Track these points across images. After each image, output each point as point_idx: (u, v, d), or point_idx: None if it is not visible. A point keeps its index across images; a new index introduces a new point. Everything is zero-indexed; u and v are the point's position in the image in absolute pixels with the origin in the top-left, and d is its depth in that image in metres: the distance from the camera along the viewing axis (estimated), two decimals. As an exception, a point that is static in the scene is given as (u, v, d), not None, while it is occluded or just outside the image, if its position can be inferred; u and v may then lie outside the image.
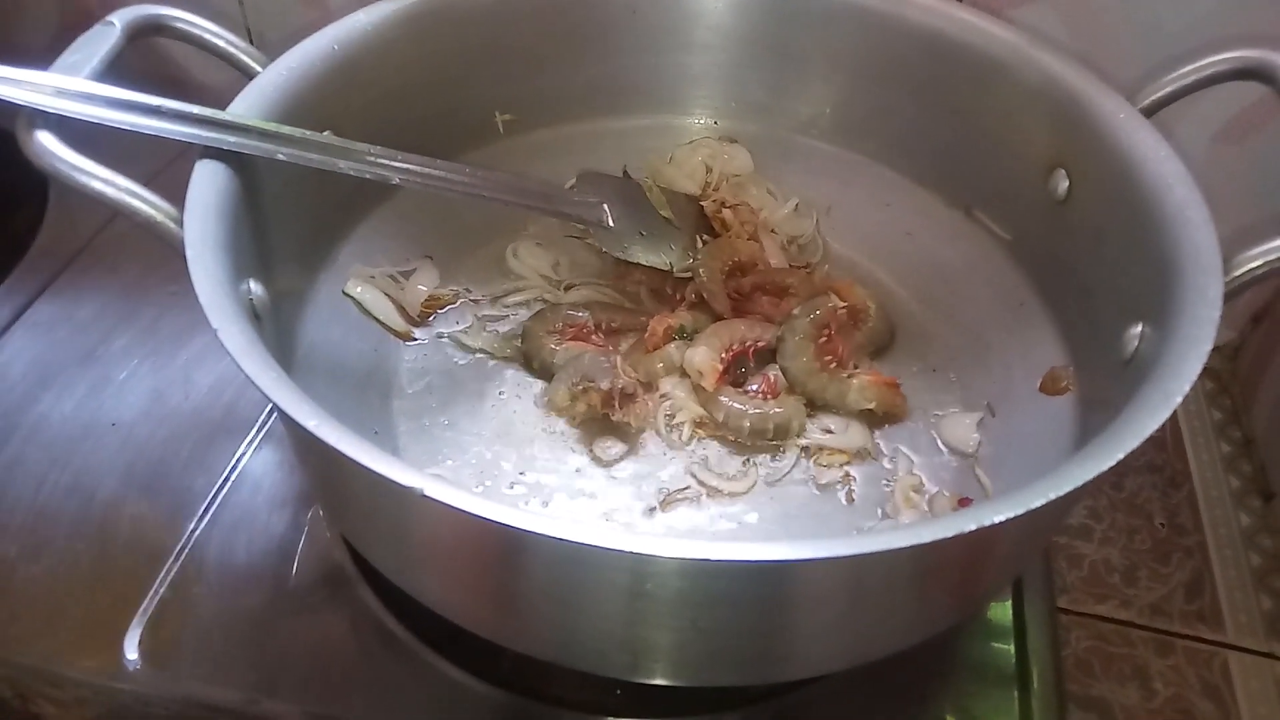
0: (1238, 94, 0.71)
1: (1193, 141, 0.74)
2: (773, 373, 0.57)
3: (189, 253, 0.40)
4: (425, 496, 0.33)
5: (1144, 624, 0.70)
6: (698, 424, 0.55)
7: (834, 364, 0.56)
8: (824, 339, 0.57)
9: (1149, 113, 0.50)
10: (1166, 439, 0.81)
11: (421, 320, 0.60)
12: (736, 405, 0.54)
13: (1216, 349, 0.86)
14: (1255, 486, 0.78)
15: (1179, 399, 0.36)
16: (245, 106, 0.49)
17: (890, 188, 0.64)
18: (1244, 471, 0.79)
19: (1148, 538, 0.75)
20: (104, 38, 0.47)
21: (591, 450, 0.54)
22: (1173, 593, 0.72)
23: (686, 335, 0.57)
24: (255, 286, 0.45)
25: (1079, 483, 0.33)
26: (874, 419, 0.56)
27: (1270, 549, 0.74)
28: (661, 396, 0.56)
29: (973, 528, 0.32)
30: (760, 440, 0.54)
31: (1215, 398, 0.84)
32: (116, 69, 0.47)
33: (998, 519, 0.32)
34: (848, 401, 0.55)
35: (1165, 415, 0.35)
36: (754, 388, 0.56)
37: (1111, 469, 0.34)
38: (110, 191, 0.42)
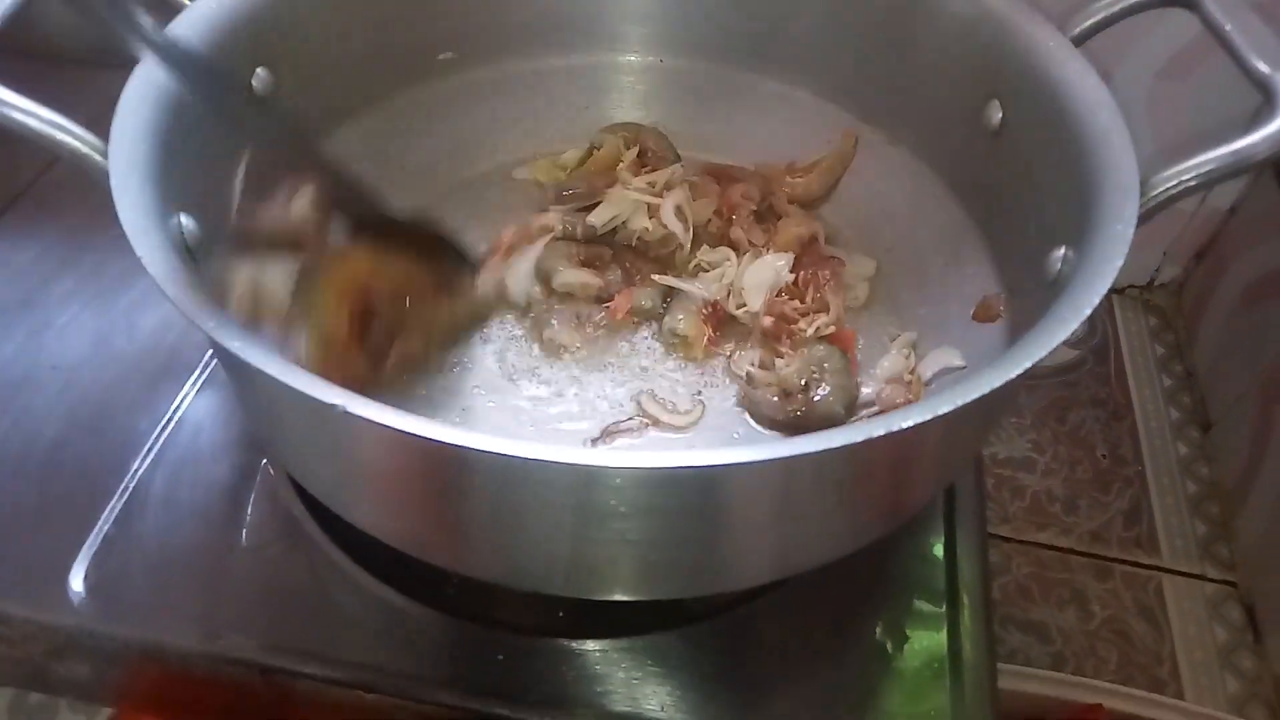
0: (1180, 30, 0.72)
1: (1136, 78, 0.74)
2: None
3: (113, 180, 0.40)
4: (347, 413, 0.33)
5: (1083, 550, 0.73)
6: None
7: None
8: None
9: (1079, 41, 0.50)
10: (1110, 373, 0.83)
11: (366, 258, 0.59)
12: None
13: (1161, 285, 0.89)
14: (1194, 418, 0.80)
15: (1088, 311, 0.37)
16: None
17: (835, 124, 0.64)
18: (1184, 404, 0.81)
19: (1089, 468, 0.77)
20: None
21: (535, 382, 0.55)
22: (1112, 520, 0.74)
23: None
24: (188, 220, 0.45)
25: (984, 391, 0.34)
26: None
27: (1206, 476, 0.76)
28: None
29: (881, 433, 0.33)
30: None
31: (1159, 333, 0.86)
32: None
33: (906, 424, 0.33)
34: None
35: (1073, 327, 0.36)
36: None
37: (1023, 379, 0.35)
38: (32, 123, 0.41)
